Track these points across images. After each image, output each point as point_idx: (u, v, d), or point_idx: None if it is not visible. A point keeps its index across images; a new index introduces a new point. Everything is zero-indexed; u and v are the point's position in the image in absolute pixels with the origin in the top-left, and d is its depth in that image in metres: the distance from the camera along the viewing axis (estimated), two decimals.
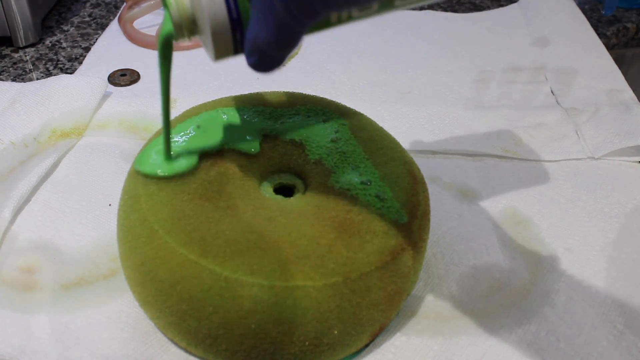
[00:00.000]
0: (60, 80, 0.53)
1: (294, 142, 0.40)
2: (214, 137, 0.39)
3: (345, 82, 0.60)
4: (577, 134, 0.53)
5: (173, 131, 0.39)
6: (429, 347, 0.36)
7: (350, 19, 0.30)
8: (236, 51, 0.30)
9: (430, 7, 0.74)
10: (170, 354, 0.36)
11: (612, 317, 0.38)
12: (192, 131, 0.39)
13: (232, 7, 0.28)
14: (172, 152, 0.37)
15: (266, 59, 0.28)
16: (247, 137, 0.39)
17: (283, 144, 0.40)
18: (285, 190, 0.39)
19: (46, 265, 0.40)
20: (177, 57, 0.62)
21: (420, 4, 0.30)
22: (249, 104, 0.41)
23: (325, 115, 0.41)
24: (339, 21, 0.30)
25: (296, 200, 0.37)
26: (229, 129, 0.39)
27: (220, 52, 0.30)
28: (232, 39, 0.29)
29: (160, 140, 0.38)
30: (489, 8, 0.75)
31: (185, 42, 0.28)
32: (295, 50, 0.64)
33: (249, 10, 0.28)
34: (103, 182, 0.47)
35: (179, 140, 0.38)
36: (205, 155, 0.38)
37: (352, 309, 0.33)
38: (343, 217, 0.35)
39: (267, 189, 0.38)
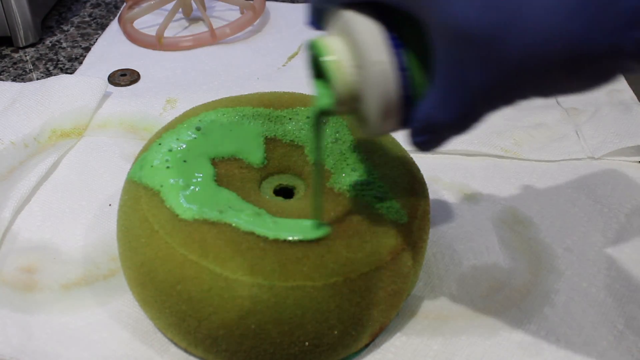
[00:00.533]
0: (60, 80, 0.53)
1: (293, 143, 0.40)
2: (217, 145, 0.38)
3: None
4: (577, 134, 0.53)
5: (173, 132, 0.39)
6: (429, 347, 0.36)
7: None
8: (398, 128, 0.28)
9: None
10: (170, 354, 0.35)
11: (612, 317, 0.38)
12: (192, 135, 0.39)
13: (405, 83, 0.26)
14: (177, 157, 0.37)
15: (436, 139, 0.26)
16: (252, 145, 0.39)
17: (283, 146, 0.40)
18: (285, 192, 0.39)
19: (46, 265, 0.40)
20: (177, 57, 0.63)
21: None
22: (248, 105, 0.41)
23: None
24: None
25: (296, 201, 0.37)
26: (230, 134, 0.39)
27: (383, 129, 0.28)
28: (398, 117, 0.27)
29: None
30: None
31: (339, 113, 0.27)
32: (295, 50, 0.64)
33: (423, 86, 0.26)
34: (103, 182, 0.47)
35: (180, 146, 0.38)
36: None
37: (352, 309, 0.33)
38: (343, 218, 0.35)
39: (267, 191, 0.38)
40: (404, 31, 0.26)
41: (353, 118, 0.29)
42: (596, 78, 0.22)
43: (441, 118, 0.25)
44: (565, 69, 0.21)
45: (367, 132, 0.28)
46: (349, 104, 0.28)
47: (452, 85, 0.24)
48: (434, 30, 0.23)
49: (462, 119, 0.25)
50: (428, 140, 0.27)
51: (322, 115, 0.29)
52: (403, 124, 0.28)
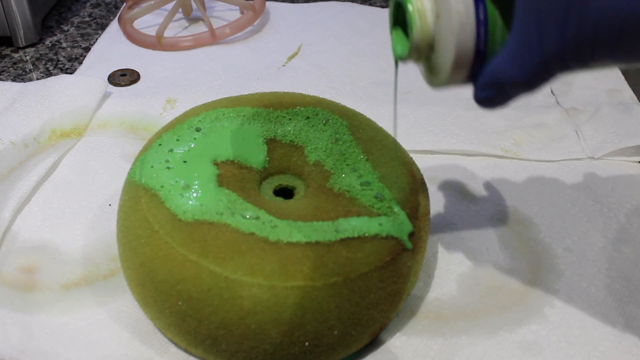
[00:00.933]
0: (60, 80, 0.53)
1: (293, 143, 0.40)
2: (217, 145, 0.38)
3: (345, 82, 0.60)
4: (577, 134, 0.53)
5: (173, 132, 0.39)
6: (429, 347, 0.36)
7: None
8: (466, 81, 0.29)
9: None
10: (170, 354, 0.35)
11: (612, 317, 0.38)
12: (192, 135, 0.39)
13: (482, 38, 0.26)
14: (177, 157, 0.37)
15: (502, 97, 0.27)
16: (252, 146, 0.39)
17: (283, 146, 0.40)
18: (285, 192, 0.39)
19: (46, 265, 0.40)
20: (177, 57, 0.63)
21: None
22: (248, 105, 0.41)
23: (325, 116, 0.41)
24: None
25: (295, 202, 0.37)
26: (231, 134, 0.39)
27: (450, 82, 0.28)
28: (469, 68, 0.27)
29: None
30: None
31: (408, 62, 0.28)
32: (295, 50, 0.64)
33: (497, 40, 0.27)
34: (103, 182, 0.47)
35: (180, 146, 0.38)
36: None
37: (352, 309, 0.33)
38: (342, 218, 0.35)
39: (266, 191, 0.38)
40: None
41: (424, 67, 0.30)
42: None
43: (512, 74, 0.25)
44: None
45: (436, 83, 0.29)
46: (425, 52, 0.28)
47: (528, 41, 0.24)
48: None
49: (532, 76, 0.25)
50: (493, 97, 0.27)
51: (397, 63, 0.31)
52: (472, 78, 0.28)
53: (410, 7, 0.28)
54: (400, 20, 0.30)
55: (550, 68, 0.24)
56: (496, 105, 0.27)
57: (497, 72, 0.26)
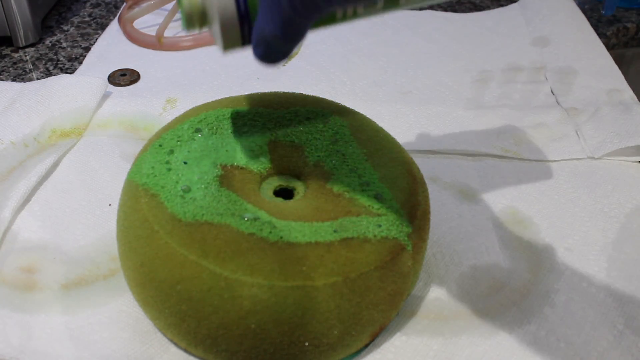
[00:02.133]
0: (60, 80, 0.53)
1: (293, 144, 0.40)
2: (217, 146, 0.38)
3: (345, 82, 0.60)
4: (577, 134, 0.53)
5: (173, 133, 0.39)
6: (429, 347, 0.36)
7: (355, 15, 0.31)
8: (244, 43, 0.31)
9: (431, 7, 0.74)
10: (170, 354, 0.36)
11: (612, 317, 0.38)
12: (192, 136, 0.39)
13: (241, 0, 0.30)
14: (177, 158, 0.37)
15: (272, 51, 0.29)
16: (252, 147, 0.39)
17: (282, 146, 0.40)
18: (285, 193, 0.39)
19: (46, 265, 0.40)
20: (177, 57, 0.63)
21: (424, 3, 0.31)
22: (248, 106, 0.41)
23: (325, 116, 0.41)
24: (344, 18, 0.31)
25: (295, 202, 0.37)
26: (231, 135, 0.39)
27: (228, 44, 0.31)
28: (240, 31, 0.31)
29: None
30: (489, 8, 0.75)
31: (194, 33, 0.31)
32: (295, 50, 0.64)
33: (257, 4, 0.29)
34: (103, 182, 0.47)
35: (180, 147, 0.38)
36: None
37: (352, 309, 0.33)
38: (342, 219, 0.35)
39: (266, 192, 0.38)
40: None
41: (212, 35, 0.33)
42: None
43: (270, 29, 0.28)
44: None
45: (220, 47, 0.32)
46: (199, 20, 0.31)
47: (270, 1, 0.27)
48: None
49: (285, 28, 0.27)
50: (266, 52, 0.29)
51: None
52: (247, 40, 0.31)
53: None
54: None
55: (296, 20, 0.27)
56: (273, 61, 0.30)
57: (259, 30, 0.29)
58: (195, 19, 0.32)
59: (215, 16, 0.30)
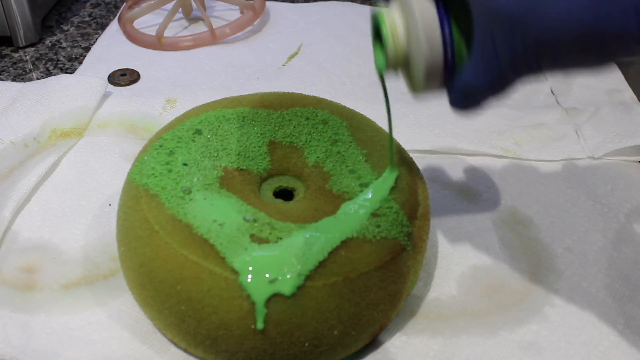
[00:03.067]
0: (60, 80, 0.53)
1: (293, 145, 0.40)
2: (217, 147, 0.38)
3: (345, 82, 0.60)
4: (577, 134, 0.53)
5: (173, 133, 0.39)
6: (429, 347, 0.36)
7: None
8: (439, 89, 0.32)
9: None
10: (170, 354, 0.36)
11: (612, 317, 0.38)
12: (192, 136, 0.39)
13: (449, 53, 0.30)
14: (177, 159, 0.37)
15: (473, 102, 0.31)
16: (252, 148, 0.39)
17: (283, 147, 0.40)
18: (284, 194, 0.39)
19: (46, 265, 0.40)
20: (177, 57, 0.63)
21: None
22: (248, 106, 0.41)
23: (325, 117, 0.41)
24: None
25: (295, 203, 0.37)
26: (231, 136, 0.39)
27: (425, 90, 0.32)
28: (441, 79, 0.31)
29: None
30: None
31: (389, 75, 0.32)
32: (295, 50, 0.64)
33: (464, 55, 0.30)
34: (103, 182, 0.47)
35: (180, 148, 0.38)
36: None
37: (352, 309, 0.33)
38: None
39: (266, 193, 0.38)
40: (453, 6, 0.30)
41: (404, 77, 0.34)
42: (604, 56, 0.26)
43: (477, 85, 0.29)
44: (578, 47, 0.26)
45: (414, 91, 0.33)
46: (400, 65, 0.32)
47: (486, 56, 0.28)
48: (474, 6, 0.28)
49: (494, 85, 0.29)
50: (465, 102, 0.31)
51: (381, 75, 0.34)
52: (446, 85, 0.32)
53: (384, 29, 0.32)
54: (380, 35, 0.33)
55: (507, 76, 0.28)
56: (471, 111, 0.31)
57: (465, 84, 0.30)
58: (398, 64, 0.32)
59: (420, 65, 0.30)
